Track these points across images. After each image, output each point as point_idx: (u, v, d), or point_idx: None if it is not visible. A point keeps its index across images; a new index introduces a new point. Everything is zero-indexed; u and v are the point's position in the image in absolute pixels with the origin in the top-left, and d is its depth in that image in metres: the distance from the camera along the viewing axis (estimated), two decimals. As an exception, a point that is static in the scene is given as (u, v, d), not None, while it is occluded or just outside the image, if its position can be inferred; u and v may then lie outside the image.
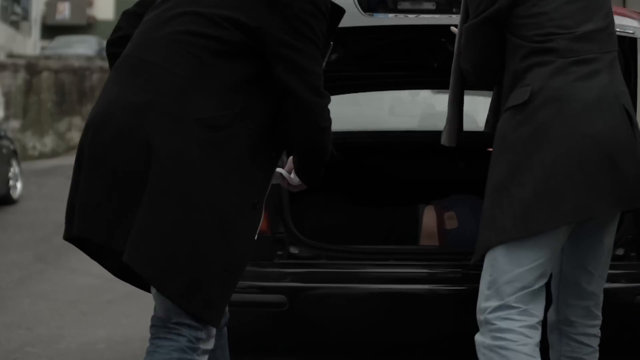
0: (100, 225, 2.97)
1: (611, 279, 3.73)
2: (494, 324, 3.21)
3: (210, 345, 3.09)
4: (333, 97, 3.15)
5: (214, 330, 3.09)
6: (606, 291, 3.64)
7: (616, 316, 3.68)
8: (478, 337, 3.27)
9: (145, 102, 2.96)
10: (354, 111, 6.61)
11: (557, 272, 3.46)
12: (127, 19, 3.27)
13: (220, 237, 2.93)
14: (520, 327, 3.19)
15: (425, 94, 7.51)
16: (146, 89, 2.98)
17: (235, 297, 3.76)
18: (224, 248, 2.94)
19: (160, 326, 3.06)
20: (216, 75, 3.00)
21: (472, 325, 3.57)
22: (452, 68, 3.49)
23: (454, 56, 3.48)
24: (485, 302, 3.24)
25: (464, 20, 3.42)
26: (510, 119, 3.25)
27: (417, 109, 7.39)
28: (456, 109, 3.52)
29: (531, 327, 3.21)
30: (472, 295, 3.34)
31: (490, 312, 3.22)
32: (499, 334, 3.20)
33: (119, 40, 3.24)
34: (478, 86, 3.62)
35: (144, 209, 2.89)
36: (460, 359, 3.79)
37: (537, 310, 3.23)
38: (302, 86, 3.00)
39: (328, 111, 3.10)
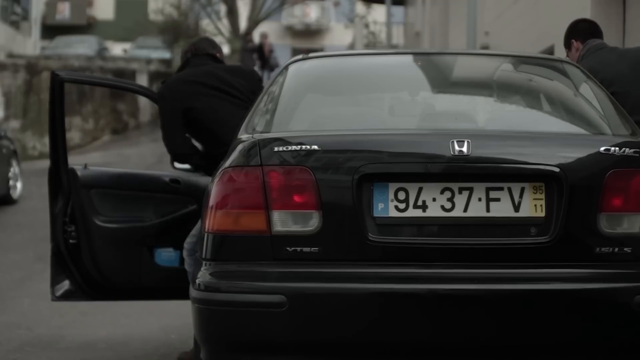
0: None
1: (611, 278, 3.73)
2: None
3: None
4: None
5: None
6: (605, 291, 3.64)
7: (616, 316, 3.68)
8: None
9: None
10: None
11: None
12: None
13: None
14: None
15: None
16: None
17: (235, 297, 3.77)
18: None
19: None
20: None
21: (471, 329, 3.56)
22: None
23: None
24: None
25: None
26: None
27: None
28: None
29: None
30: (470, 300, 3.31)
31: None
32: None
33: None
34: None
35: None
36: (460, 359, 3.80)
37: None
38: None
39: None
